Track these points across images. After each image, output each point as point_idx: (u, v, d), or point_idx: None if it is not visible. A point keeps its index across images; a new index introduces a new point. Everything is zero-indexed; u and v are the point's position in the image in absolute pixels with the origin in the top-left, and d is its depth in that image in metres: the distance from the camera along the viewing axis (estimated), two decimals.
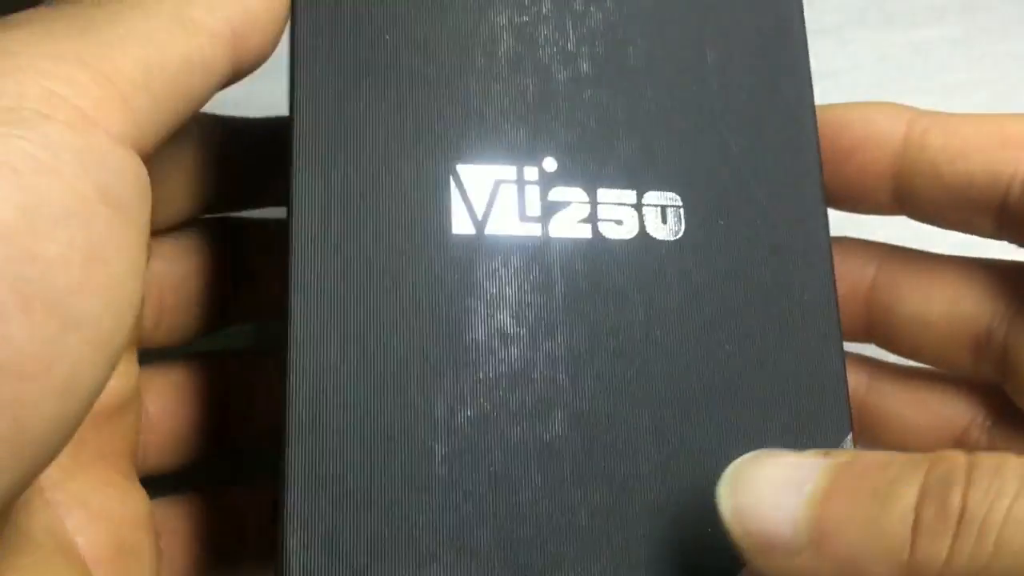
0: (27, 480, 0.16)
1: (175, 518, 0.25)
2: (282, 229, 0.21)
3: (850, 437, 0.22)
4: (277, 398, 0.26)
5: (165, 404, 0.26)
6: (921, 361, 0.27)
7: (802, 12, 0.24)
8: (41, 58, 0.17)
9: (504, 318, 0.21)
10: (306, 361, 0.20)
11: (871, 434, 0.27)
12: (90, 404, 0.17)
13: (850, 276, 0.26)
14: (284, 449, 0.20)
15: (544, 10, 0.23)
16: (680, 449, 0.21)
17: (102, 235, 0.17)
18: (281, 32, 0.22)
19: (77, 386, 0.16)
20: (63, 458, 0.21)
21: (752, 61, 0.24)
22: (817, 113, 0.24)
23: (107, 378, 0.17)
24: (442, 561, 0.20)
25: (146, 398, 0.25)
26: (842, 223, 0.26)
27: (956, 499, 0.16)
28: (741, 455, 0.19)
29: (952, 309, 0.25)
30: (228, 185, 0.26)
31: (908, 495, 0.17)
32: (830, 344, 0.22)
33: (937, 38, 0.37)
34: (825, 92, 0.25)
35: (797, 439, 0.22)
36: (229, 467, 0.28)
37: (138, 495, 0.24)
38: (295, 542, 0.19)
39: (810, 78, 0.24)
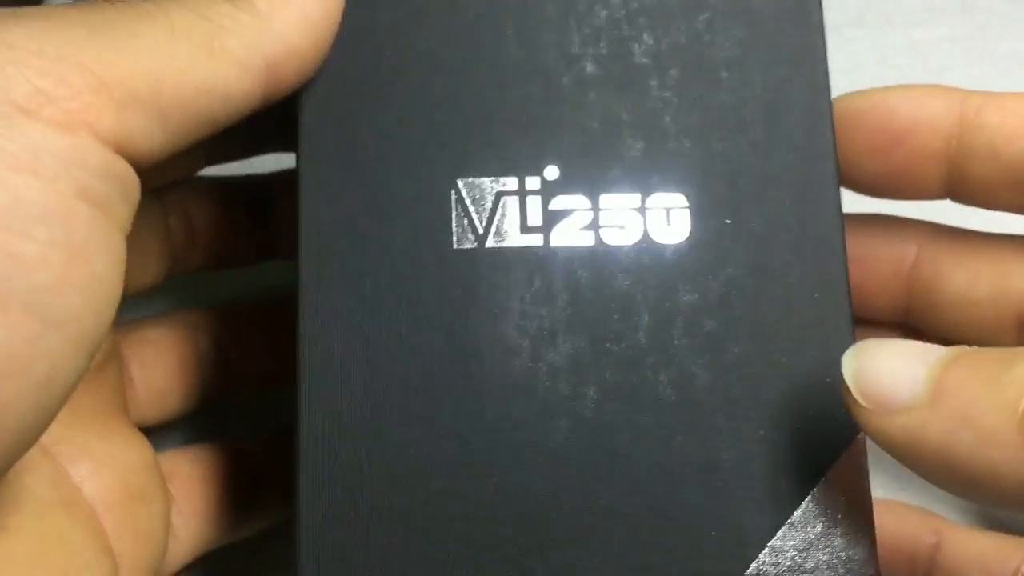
0: (3, 468, 0.17)
1: (187, 463, 0.26)
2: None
3: (863, 435, 0.22)
4: (271, 348, 0.27)
5: (145, 361, 0.26)
6: (962, 342, 0.26)
7: (820, 1, 0.23)
8: (38, 55, 0.17)
9: (507, 330, 0.21)
10: (316, 378, 0.20)
11: None
12: (69, 395, 0.17)
13: (891, 255, 0.25)
14: (297, 463, 0.20)
15: (548, 12, 0.22)
16: (686, 453, 0.21)
17: (84, 233, 0.17)
18: (321, 60, 0.21)
19: (56, 382, 0.16)
20: (62, 416, 0.22)
21: (766, 53, 0.23)
22: (859, 98, 0.23)
23: (86, 370, 0.17)
24: (451, 571, 0.20)
25: (127, 356, 0.25)
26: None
27: None
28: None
29: (999, 287, 0.24)
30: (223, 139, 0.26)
31: None
32: (843, 344, 0.22)
33: (937, 38, 0.37)
34: None
35: (809, 441, 0.21)
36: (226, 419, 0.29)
37: (140, 442, 0.24)
38: (308, 554, 0.20)
39: (827, 69, 0.23)
